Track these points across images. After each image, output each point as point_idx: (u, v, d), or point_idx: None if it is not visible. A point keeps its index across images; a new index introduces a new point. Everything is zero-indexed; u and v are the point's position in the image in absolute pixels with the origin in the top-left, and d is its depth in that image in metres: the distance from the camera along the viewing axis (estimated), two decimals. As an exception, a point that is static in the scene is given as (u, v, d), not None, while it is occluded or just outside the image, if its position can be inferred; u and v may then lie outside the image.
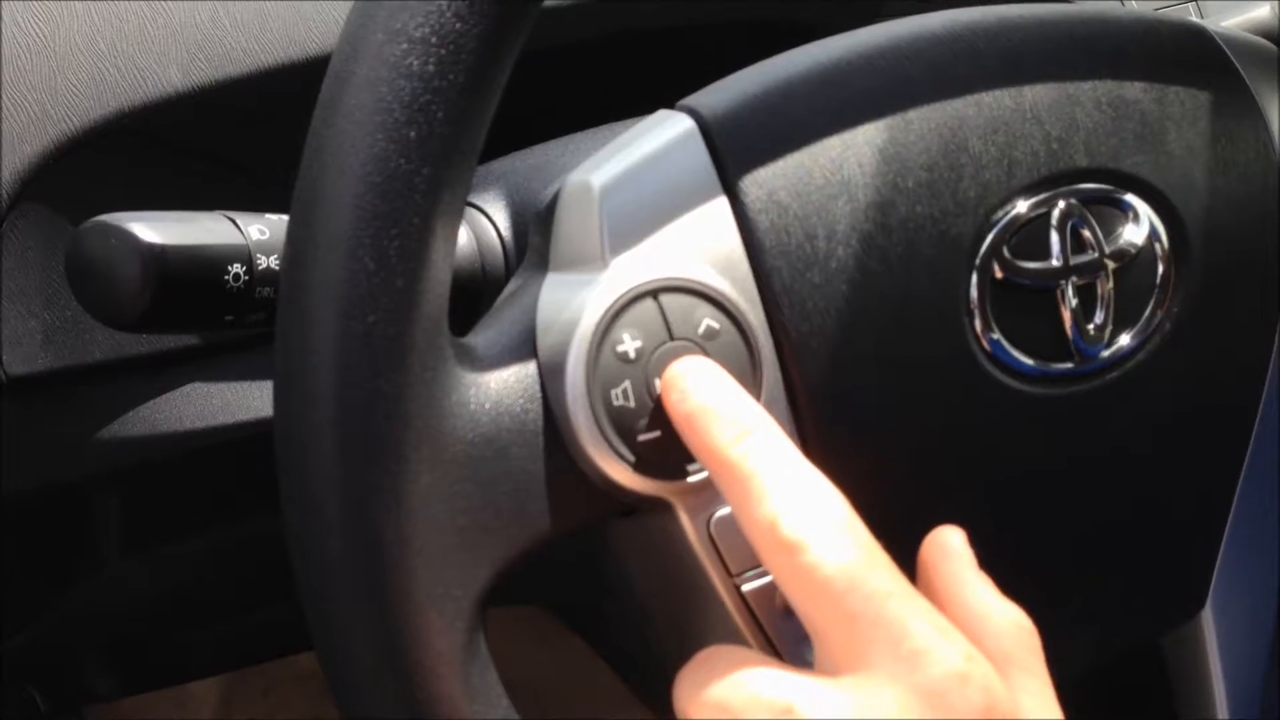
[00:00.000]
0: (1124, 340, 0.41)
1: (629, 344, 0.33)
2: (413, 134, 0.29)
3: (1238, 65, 0.45)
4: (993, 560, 0.41)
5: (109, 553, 0.55)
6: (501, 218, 0.47)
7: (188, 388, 0.46)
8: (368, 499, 0.29)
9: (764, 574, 0.35)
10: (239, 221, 0.39)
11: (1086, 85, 0.41)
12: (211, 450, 0.45)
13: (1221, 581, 0.46)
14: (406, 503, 0.29)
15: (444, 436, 0.30)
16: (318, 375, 0.29)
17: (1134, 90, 0.42)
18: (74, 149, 0.44)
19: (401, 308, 0.29)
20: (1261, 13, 0.58)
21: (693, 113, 0.37)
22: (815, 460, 0.36)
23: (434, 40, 0.29)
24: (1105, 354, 0.40)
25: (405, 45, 0.29)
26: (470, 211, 0.48)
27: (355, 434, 0.29)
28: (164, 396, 0.45)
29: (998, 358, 0.39)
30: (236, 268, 0.37)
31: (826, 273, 0.36)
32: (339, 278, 0.29)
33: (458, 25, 0.29)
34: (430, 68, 0.29)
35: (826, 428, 0.36)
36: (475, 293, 0.45)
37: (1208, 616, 0.46)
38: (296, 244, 0.29)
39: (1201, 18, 0.57)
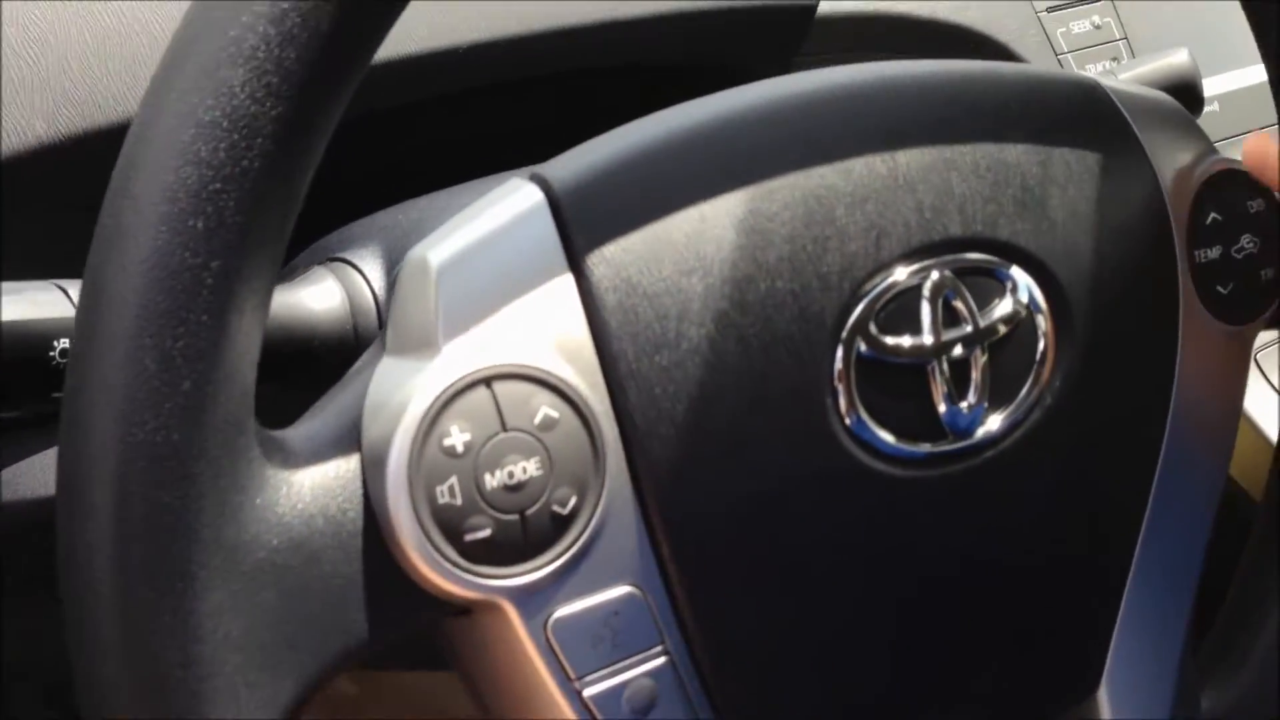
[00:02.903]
0: (1000, 418, 0.39)
1: (457, 437, 0.32)
2: (200, 225, 0.27)
3: (1132, 123, 0.43)
4: (872, 645, 0.40)
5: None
6: (377, 275, 0.45)
7: (22, 464, 0.44)
8: (148, 622, 0.27)
9: (609, 676, 0.34)
10: (71, 291, 0.37)
11: (965, 149, 0.40)
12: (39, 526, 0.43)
13: (1119, 656, 0.45)
14: (193, 623, 0.28)
15: (242, 547, 0.29)
16: (94, 487, 0.27)
17: (1015, 153, 0.40)
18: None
19: (188, 412, 0.27)
20: (1179, 59, 0.57)
21: (542, 183, 0.35)
22: (667, 554, 0.35)
23: (225, 124, 0.27)
24: (980, 432, 0.39)
25: (193, 130, 0.27)
26: (344, 269, 0.46)
27: (135, 551, 0.27)
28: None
29: (862, 439, 0.37)
30: (64, 342, 0.36)
31: (677, 355, 0.35)
32: (118, 380, 0.27)
33: (252, 108, 0.27)
34: (220, 154, 0.27)
35: (677, 518, 0.35)
36: (347, 357, 0.43)
37: (1104, 695, 0.45)
38: (78, 342, 0.28)
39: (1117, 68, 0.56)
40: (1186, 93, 0.57)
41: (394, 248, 0.45)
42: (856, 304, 0.37)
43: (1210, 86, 0.74)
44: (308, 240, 0.49)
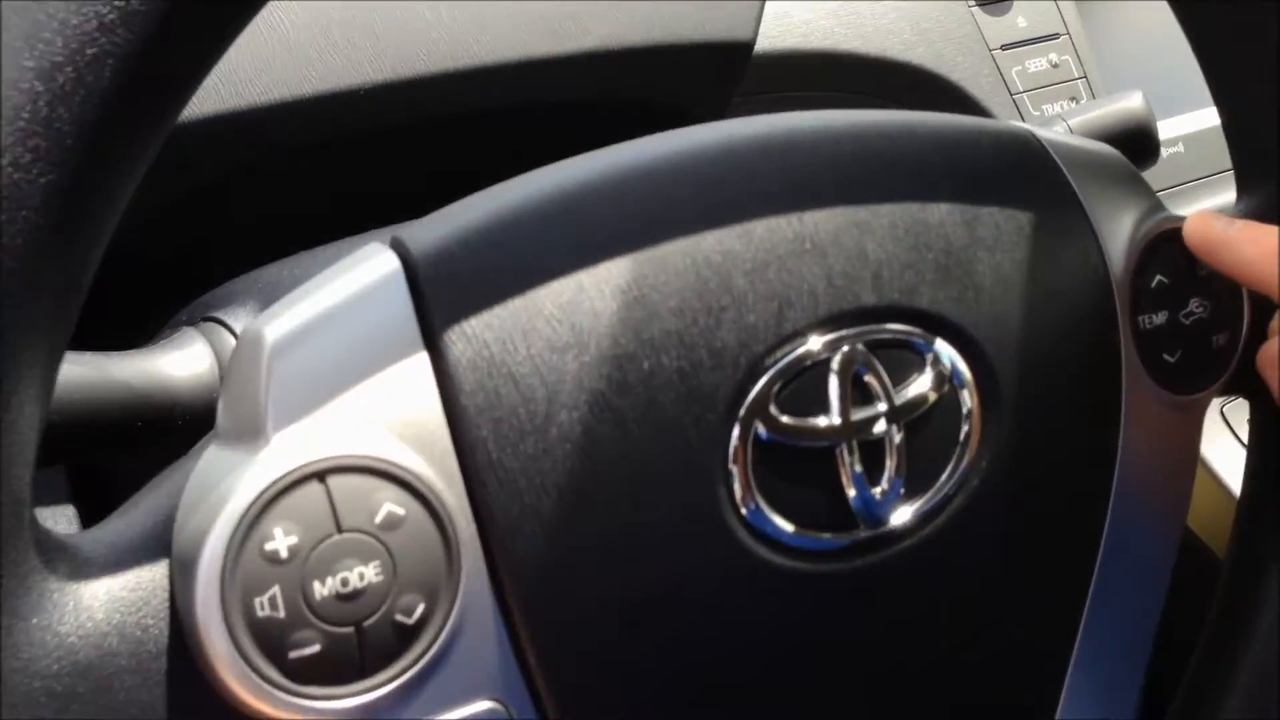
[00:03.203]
0: (919, 504, 0.35)
1: (281, 540, 0.28)
2: None
3: (1070, 178, 0.40)
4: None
5: None
6: None
7: None
8: None
9: None
10: None
11: (882, 209, 0.36)
12: None
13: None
14: None
15: (13, 675, 0.25)
16: None
17: (939, 213, 0.37)
18: None
19: None
20: (1133, 103, 0.54)
21: (401, 248, 0.32)
22: (534, 664, 0.31)
23: None
24: (896, 521, 0.35)
25: None
26: (217, 330, 0.43)
27: None
28: None
29: (761, 531, 0.33)
30: None
31: (545, 441, 0.31)
32: None
33: (15, 175, 0.24)
34: None
35: (543, 625, 0.31)
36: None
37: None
38: None
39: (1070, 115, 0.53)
40: (1140, 139, 0.53)
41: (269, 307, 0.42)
42: (754, 382, 0.33)
43: (1175, 127, 0.71)
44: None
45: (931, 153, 0.38)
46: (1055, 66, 0.67)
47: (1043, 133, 0.41)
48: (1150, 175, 0.70)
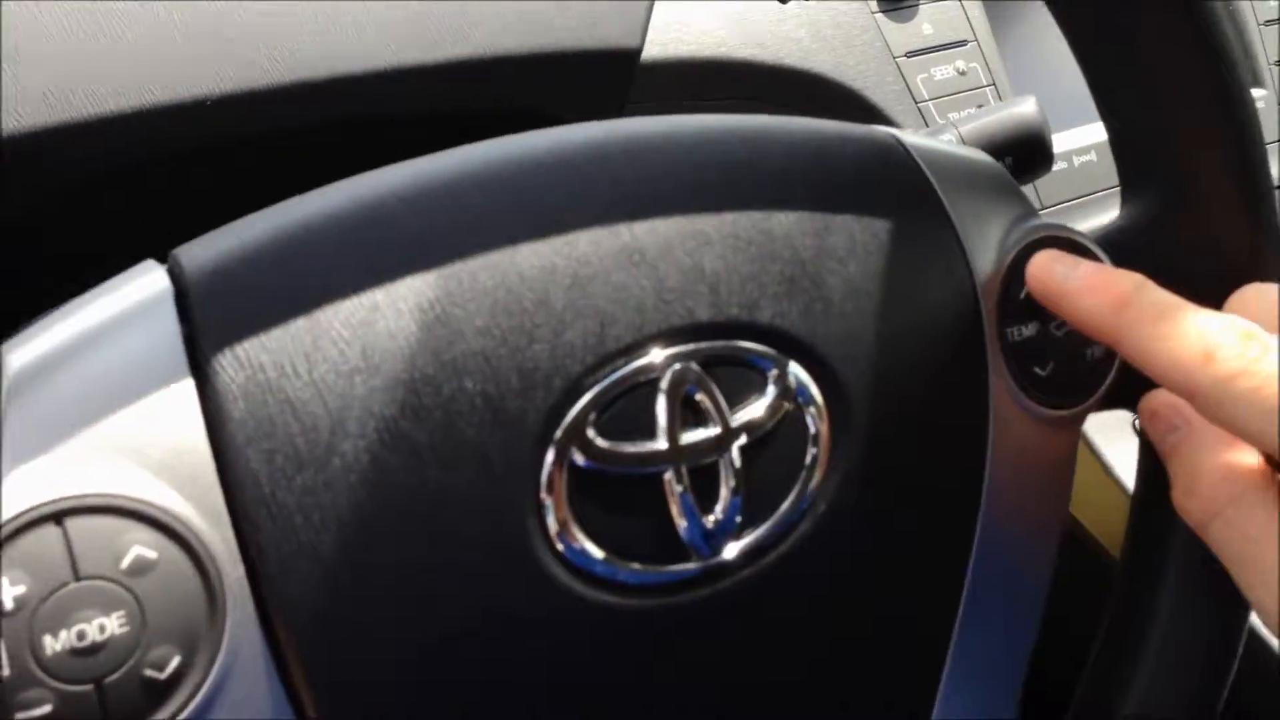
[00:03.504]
0: (760, 532, 0.33)
1: (6, 591, 0.25)
2: None
3: (936, 185, 0.38)
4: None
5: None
6: None
7: None
8: None
9: None
10: None
11: (724, 219, 0.34)
12: None
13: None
14: None
15: None
16: None
17: (786, 223, 0.34)
18: None
19: None
20: (1025, 109, 0.51)
21: (174, 266, 0.29)
22: (313, 718, 0.28)
23: None
24: (733, 551, 0.33)
25: None
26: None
27: None
28: None
29: (580, 566, 0.31)
30: None
31: (327, 473, 0.28)
32: None
33: None
34: None
35: (323, 674, 0.28)
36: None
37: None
38: None
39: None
40: (1032, 146, 0.51)
41: None
42: (570, 405, 0.31)
43: (1088, 135, 0.69)
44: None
45: (781, 159, 0.35)
46: (962, 74, 0.65)
47: (910, 138, 0.39)
48: (1062, 184, 0.69)
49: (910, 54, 0.64)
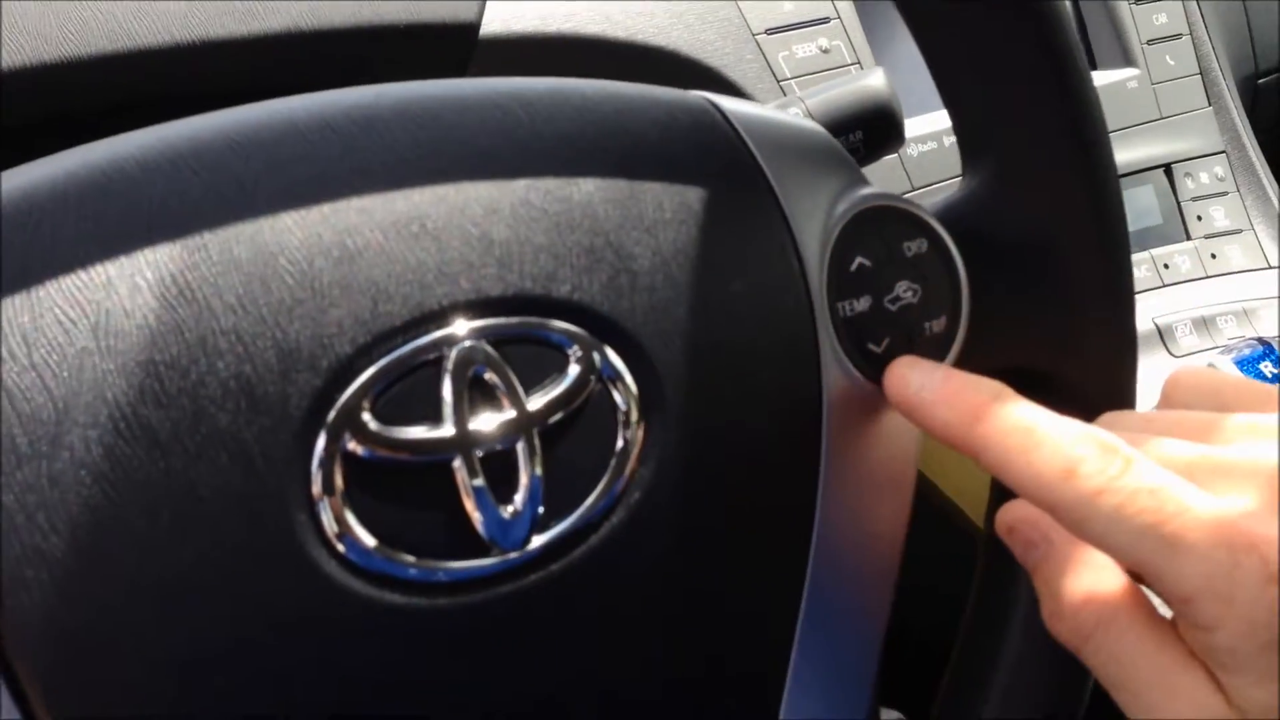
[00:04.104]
0: (567, 522, 0.31)
1: None
2: None
3: (756, 153, 0.36)
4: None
5: None
6: None
7: None
8: None
9: None
10: None
11: (515, 186, 0.31)
12: None
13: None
14: None
15: None
16: None
17: (585, 190, 0.32)
18: None
19: None
20: (873, 81, 0.50)
21: None
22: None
23: None
24: (538, 543, 0.30)
25: None
26: None
27: None
28: None
29: (360, 566, 0.28)
30: None
31: (53, 468, 0.25)
32: None
33: None
34: None
35: (59, 693, 0.25)
36: None
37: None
38: None
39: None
40: (882, 119, 0.50)
41: None
42: (341, 389, 0.28)
43: (955, 115, 0.68)
44: None
45: (582, 124, 0.33)
46: (826, 52, 0.64)
47: (729, 104, 0.37)
48: (928, 166, 0.67)
49: (770, 31, 0.63)
